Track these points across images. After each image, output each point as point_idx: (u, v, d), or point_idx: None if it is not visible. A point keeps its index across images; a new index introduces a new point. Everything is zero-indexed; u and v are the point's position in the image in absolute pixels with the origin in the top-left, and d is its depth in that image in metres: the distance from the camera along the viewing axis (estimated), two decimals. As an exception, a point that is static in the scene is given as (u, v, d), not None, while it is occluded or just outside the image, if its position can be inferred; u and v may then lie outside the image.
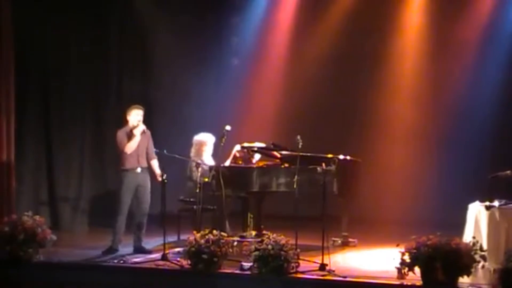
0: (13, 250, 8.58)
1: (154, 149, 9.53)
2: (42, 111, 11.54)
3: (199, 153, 10.27)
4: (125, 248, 9.41)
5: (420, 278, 7.56)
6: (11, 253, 8.59)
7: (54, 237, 8.89)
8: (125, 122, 9.58)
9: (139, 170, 9.44)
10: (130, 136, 9.42)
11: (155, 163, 9.55)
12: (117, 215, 9.41)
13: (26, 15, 10.80)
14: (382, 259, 8.82)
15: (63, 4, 11.27)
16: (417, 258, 7.53)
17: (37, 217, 8.88)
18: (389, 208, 11.75)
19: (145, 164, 9.50)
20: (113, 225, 9.44)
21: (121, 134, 9.49)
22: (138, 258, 8.93)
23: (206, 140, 10.32)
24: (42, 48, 11.34)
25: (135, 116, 9.47)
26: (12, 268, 8.55)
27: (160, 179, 9.27)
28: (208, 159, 10.29)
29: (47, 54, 11.42)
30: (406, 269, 7.62)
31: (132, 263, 8.70)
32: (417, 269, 7.58)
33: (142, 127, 9.43)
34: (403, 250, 7.64)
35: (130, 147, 9.38)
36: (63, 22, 11.37)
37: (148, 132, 9.54)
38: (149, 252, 9.30)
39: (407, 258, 7.60)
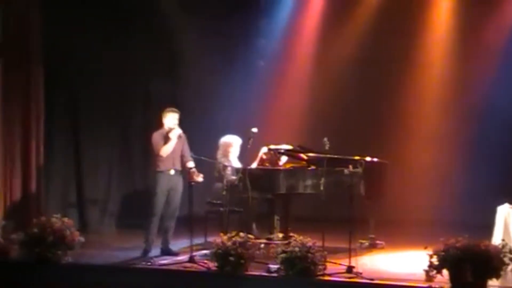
0: (42, 252, 8.65)
1: (192, 153, 9.49)
2: (70, 113, 11.62)
3: (225, 155, 10.28)
4: (153, 250, 9.42)
5: (448, 281, 7.50)
6: (40, 255, 8.66)
7: (82, 239, 8.94)
8: (158, 123, 9.57)
9: (172, 172, 9.43)
10: (166, 139, 9.43)
11: (190, 165, 9.50)
12: (150, 217, 9.41)
13: (55, 15, 10.87)
14: (410, 261, 8.79)
15: (90, 8, 11.32)
16: (445, 260, 7.47)
17: (65, 219, 8.93)
18: (416, 210, 11.69)
19: (179, 167, 9.48)
20: (146, 227, 9.44)
21: (157, 136, 9.49)
22: (165, 260, 8.96)
23: (232, 142, 10.32)
24: (70, 48, 11.33)
25: (171, 120, 9.46)
26: (41, 270, 8.62)
27: (198, 179, 9.28)
28: (234, 161, 10.30)
29: (75, 54, 11.43)
30: (434, 271, 7.55)
31: (159, 265, 8.74)
32: (445, 272, 7.52)
33: (178, 130, 9.43)
34: (431, 252, 7.59)
35: (166, 150, 9.38)
36: (90, 22, 11.39)
37: (184, 136, 9.52)
38: (176, 254, 9.32)
39: (435, 260, 7.54)
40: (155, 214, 9.41)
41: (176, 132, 9.42)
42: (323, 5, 12.67)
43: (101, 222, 11.64)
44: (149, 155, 10.15)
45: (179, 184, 9.52)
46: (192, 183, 9.19)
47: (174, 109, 9.58)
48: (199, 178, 9.37)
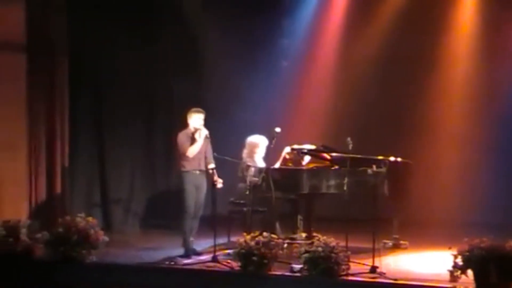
0: (67, 251, 8.73)
1: (215, 154, 9.48)
2: (94, 112, 11.68)
3: (250, 155, 10.26)
4: (176, 250, 9.46)
5: (472, 281, 7.46)
6: (64, 254, 8.73)
7: (106, 238, 9.00)
8: (182, 123, 9.57)
9: (197, 172, 9.43)
10: (192, 139, 9.42)
11: (211, 166, 9.47)
12: (184, 217, 9.39)
13: (80, 15, 10.93)
14: (434, 261, 8.74)
15: (114, 8, 11.38)
16: (470, 260, 7.43)
17: (90, 219, 9.00)
18: (440, 210, 11.63)
19: (203, 167, 9.47)
20: (183, 228, 9.41)
21: (182, 137, 9.48)
22: (189, 260, 8.98)
23: (258, 142, 10.28)
24: (94, 48, 11.40)
25: (197, 120, 9.43)
26: (66, 269, 8.68)
27: (218, 185, 9.31)
28: (259, 161, 10.28)
29: (100, 55, 11.49)
30: (459, 272, 7.52)
31: (182, 265, 8.77)
32: (469, 272, 7.48)
33: (205, 131, 9.42)
34: (455, 252, 7.55)
35: (192, 151, 9.37)
36: (115, 23, 11.43)
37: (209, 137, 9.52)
38: (200, 254, 9.32)
39: (459, 260, 7.50)
40: (188, 214, 9.37)
41: (203, 133, 9.40)
42: (346, 4, 12.62)
43: (125, 221, 11.70)
44: (173, 155, 10.15)
45: (203, 184, 9.52)
46: (216, 184, 9.22)
47: (199, 109, 9.55)
48: (219, 184, 9.37)
